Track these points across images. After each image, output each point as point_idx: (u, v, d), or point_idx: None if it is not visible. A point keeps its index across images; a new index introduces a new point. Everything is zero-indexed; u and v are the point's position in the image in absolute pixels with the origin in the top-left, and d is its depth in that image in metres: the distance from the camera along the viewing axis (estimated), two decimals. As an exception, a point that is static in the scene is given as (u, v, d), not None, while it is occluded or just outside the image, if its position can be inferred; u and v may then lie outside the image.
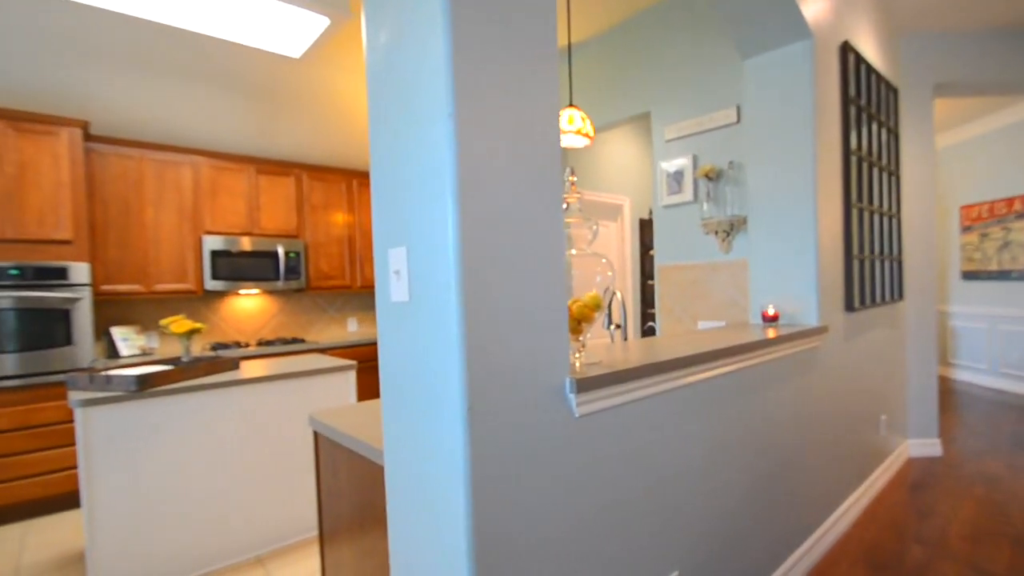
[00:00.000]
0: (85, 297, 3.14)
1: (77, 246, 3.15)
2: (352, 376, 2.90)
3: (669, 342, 1.79)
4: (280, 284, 4.11)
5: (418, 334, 1.04)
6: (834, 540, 2.37)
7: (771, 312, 2.19)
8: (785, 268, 2.25)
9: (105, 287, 3.42)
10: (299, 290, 4.30)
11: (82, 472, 2.11)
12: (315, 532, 2.72)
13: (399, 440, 1.13)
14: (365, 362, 4.38)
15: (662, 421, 1.42)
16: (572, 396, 1.13)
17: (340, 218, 4.55)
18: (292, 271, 4.17)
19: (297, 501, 2.67)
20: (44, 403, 3.03)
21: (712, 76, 2.75)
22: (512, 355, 1.01)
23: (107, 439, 2.15)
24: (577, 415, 1.15)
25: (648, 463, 1.36)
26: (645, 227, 5.02)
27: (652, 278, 5.15)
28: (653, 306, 5.13)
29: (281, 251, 4.10)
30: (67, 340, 3.09)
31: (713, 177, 2.65)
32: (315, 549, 2.57)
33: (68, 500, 3.14)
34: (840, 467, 2.46)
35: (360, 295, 5.00)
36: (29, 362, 2.97)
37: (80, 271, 3.13)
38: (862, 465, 2.71)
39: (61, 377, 3.07)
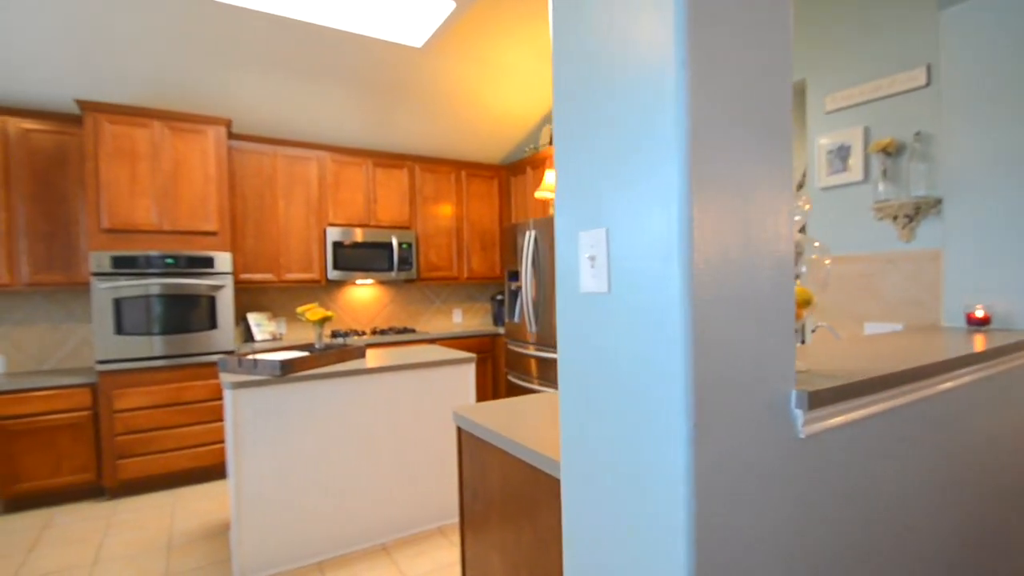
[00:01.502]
0: (228, 285, 3.36)
1: (221, 237, 3.37)
2: (472, 368, 2.85)
3: (862, 347, 1.51)
4: (393, 274, 4.19)
5: (621, 331, 0.88)
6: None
7: (980, 314, 1.81)
8: (999, 259, 1.85)
9: (243, 276, 3.65)
10: (409, 280, 4.37)
11: (230, 449, 2.21)
12: (437, 524, 2.70)
13: (585, 449, 0.98)
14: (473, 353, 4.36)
15: (887, 447, 1.16)
16: (799, 412, 0.92)
17: (448, 210, 4.56)
18: (404, 262, 4.24)
19: (421, 491, 2.66)
20: (192, 382, 3.28)
21: (890, 33, 2.34)
22: (737, 360, 0.83)
23: (253, 419, 2.23)
24: (802, 435, 0.94)
25: (874, 497, 1.12)
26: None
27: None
28: (779, 303, 4.65)
29: (395, 242, 4.18)
30: (212, 324, 3.32)
31: (892, 152, 2.25)
32: (439, 542, 2.54)
33: (212, 472, 3.40)
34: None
35: (465, 286, 5.01)
36: (179, 344, 3.23)
37: (224, 260, 3.36)
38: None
39: (207, 359, 3.31)
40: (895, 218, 2.26)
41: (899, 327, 2.29)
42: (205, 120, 3.31)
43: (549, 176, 3.88)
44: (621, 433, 0.89)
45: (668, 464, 0.80)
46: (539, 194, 3.92)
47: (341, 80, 3.58)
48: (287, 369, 2.31)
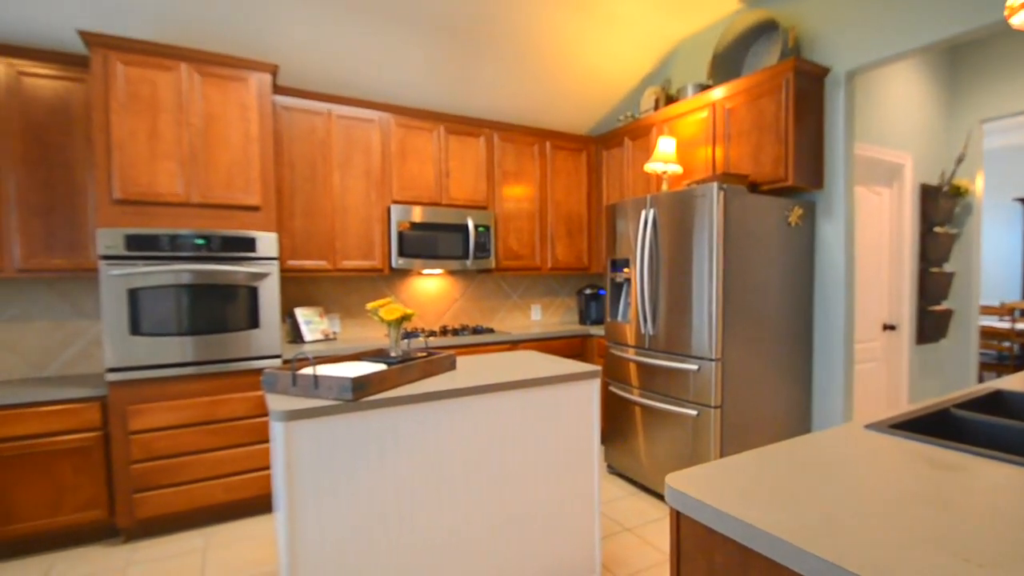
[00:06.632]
0: (273, 273, 2.65)
1: (265, 213, 2.67)
2: (597, 385, 2.06)
3: None
4: (468, 263, 3.44)
5: None
6: None
7: None
8: None
9: (291, 262, 2.95)
10: (484, 271, 3.61)
11: (281, 499, 1.47)
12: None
13: None
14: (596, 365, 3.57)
15: None
16: None
17: (530, 187, 3.79)
18: (481, 248, 3.48)
19: (532, 550, 1.89)
20: (227, 395, 2.59)
21: None
22: None
23: (315, 461, 1.50)
24: None
25: None
26: (929, 196, 3.64)
27: (937, 264, 3.75)
28: (936, 303, 3.73)
29: (471, 224, 3.42)
30: (253, 322, 2.62)
31: None
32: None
33: (253, 506, 2.70)
34: None
35: (545, 279, 4.22)
36: (211, 347, 2.54)
37: (268, 242, 2.65)
38: None
39: (248, 365, 2.61)
40: None
41: None
42: (246, 64, 2.61)
43: (664, 143, 3.06)
44: None
45: None
46: (650, 166, 3.11)
47: (411, 20, 2.84)
48: (361, 389, 1.57)
